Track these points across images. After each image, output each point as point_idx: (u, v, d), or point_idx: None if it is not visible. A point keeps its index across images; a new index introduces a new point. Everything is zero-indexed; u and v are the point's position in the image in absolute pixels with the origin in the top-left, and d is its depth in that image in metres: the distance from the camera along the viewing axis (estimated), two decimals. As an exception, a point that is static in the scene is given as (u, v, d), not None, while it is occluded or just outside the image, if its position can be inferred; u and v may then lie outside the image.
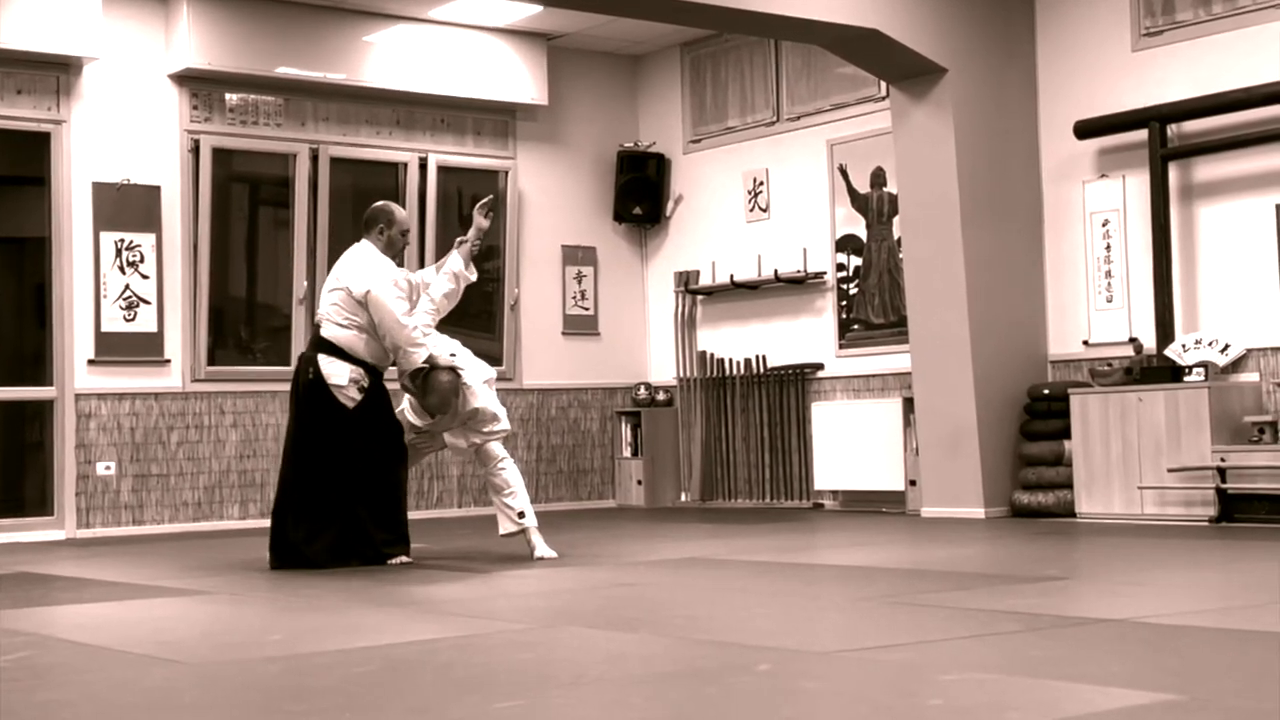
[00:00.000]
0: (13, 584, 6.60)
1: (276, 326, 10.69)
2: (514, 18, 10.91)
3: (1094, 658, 3.80)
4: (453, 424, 7.04)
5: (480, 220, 7.29)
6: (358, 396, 6.86)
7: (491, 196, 7.66)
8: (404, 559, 6.93)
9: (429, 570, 6.69)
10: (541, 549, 7.02)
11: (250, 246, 10.87)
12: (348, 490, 6.90)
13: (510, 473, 7.04)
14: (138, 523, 9.94)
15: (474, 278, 7.30)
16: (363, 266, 6.89)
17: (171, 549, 8.45)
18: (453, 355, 6.96)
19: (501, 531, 7.07)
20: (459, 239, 7.33)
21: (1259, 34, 8.70)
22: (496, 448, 7.04)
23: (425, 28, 10.88)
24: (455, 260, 7.21)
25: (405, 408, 7.17)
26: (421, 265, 9.87)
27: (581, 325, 11.92)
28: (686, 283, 11.79)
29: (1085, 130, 9.28)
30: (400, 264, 7.08)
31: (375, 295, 6.77)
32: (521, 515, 7.00)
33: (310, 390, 6.89)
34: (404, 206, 11.02)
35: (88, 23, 9.64)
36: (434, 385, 6.84)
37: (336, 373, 6.84)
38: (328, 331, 6.89)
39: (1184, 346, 8.71)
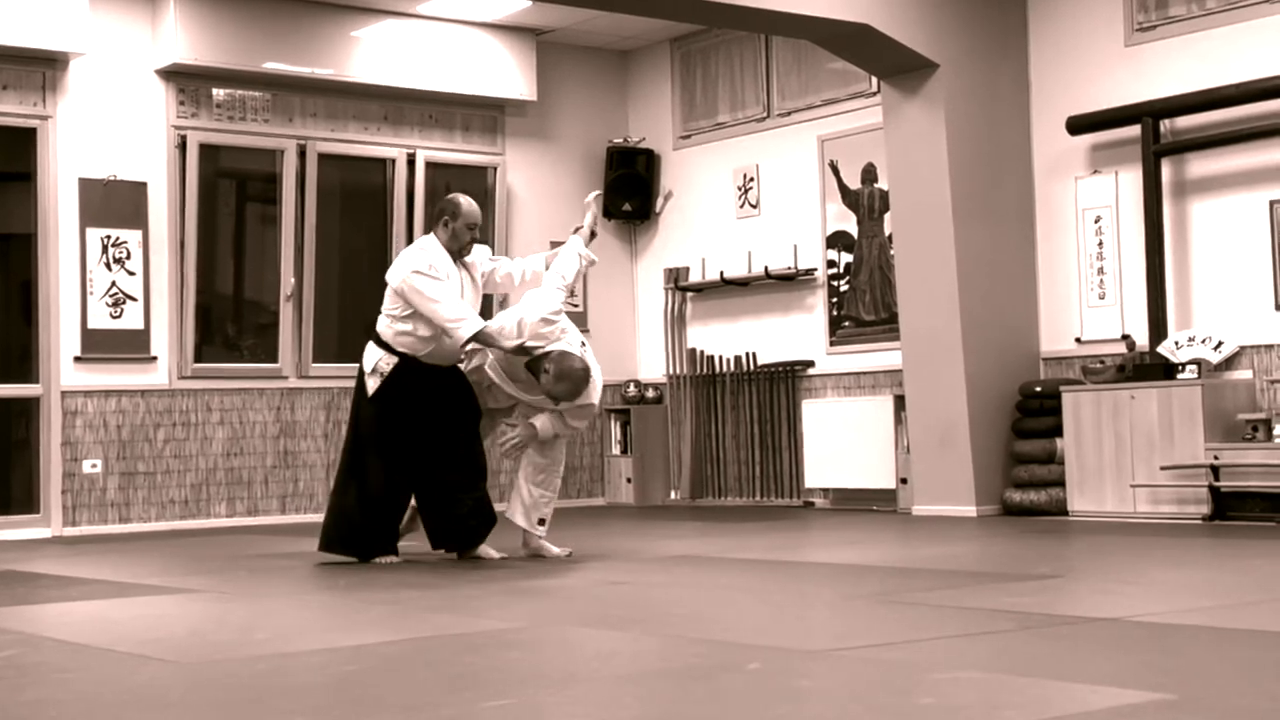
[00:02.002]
0: (-3, 582, 6.57)
1: (264, 323, 10.65)
2: (503, 13, 10.88)
3: (1086, 656, 3.78)
4: (564, 405, 6.86)
5: (596, 210, 7.35)
6: (376, 384, 6.85)
7: (599, 192, 7.86)
8: (391, 559, 6.88)
9: (417, 568, 6.65)
10: (555, 549, 7.01)
11: (237, 243, 10.83)
12: (348, 474, 6.94)
13: (559, 479, 7.03)
14: (124, 521, 9.90)
15: (594, 258, 7.27)
16: (400, 260, 6.89)
17: (158, 547, 8.42)
18: (584, 344, 6.93)
19: (511, 515, 6.99)
20: (576, 227, 7.31)
21: (1253, 29, 8.68)
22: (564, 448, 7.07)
23: (413, 23, 10.84)
24: (578, 243, 7.15)
25: (498, 382, 6.97)
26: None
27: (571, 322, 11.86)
28: (676, 279, 11.76)
29: (1078, 126, 9.26)
30: (469, 254, 6.97)
31: (405, 288, 6.75)
32: (542, 523, 6.97)
33: (358, 374, 7.02)
34: (391, 202, 11.04)
35: (74, 18, 9.59)
36: (567, 371, 6.72)
37: (367, 358, 6.90)
38: (378, 320, 6.97)
39: (1177, 344, 8.69)
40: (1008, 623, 4.43)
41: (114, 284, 9.91)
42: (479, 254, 7.13)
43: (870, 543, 7.65)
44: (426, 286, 6.71)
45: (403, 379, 6.82)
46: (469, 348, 6.87)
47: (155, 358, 10.08)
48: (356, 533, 6.89)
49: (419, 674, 3.73)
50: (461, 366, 6.98)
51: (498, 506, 7.11)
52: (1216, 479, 8.25)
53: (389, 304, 6.86)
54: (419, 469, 6.88)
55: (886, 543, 7.66)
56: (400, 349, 6.83)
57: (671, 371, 11.79)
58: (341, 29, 10.59)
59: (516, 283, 7.17)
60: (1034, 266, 9.66)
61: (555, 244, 11.60)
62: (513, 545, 7.08)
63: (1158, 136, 8.93)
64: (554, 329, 6.82)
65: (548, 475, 6.99)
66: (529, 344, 6.76)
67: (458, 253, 6.89)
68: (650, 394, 11.89)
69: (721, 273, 11.39)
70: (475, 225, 6.93)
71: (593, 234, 7.26)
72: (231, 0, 10.17)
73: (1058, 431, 9.07)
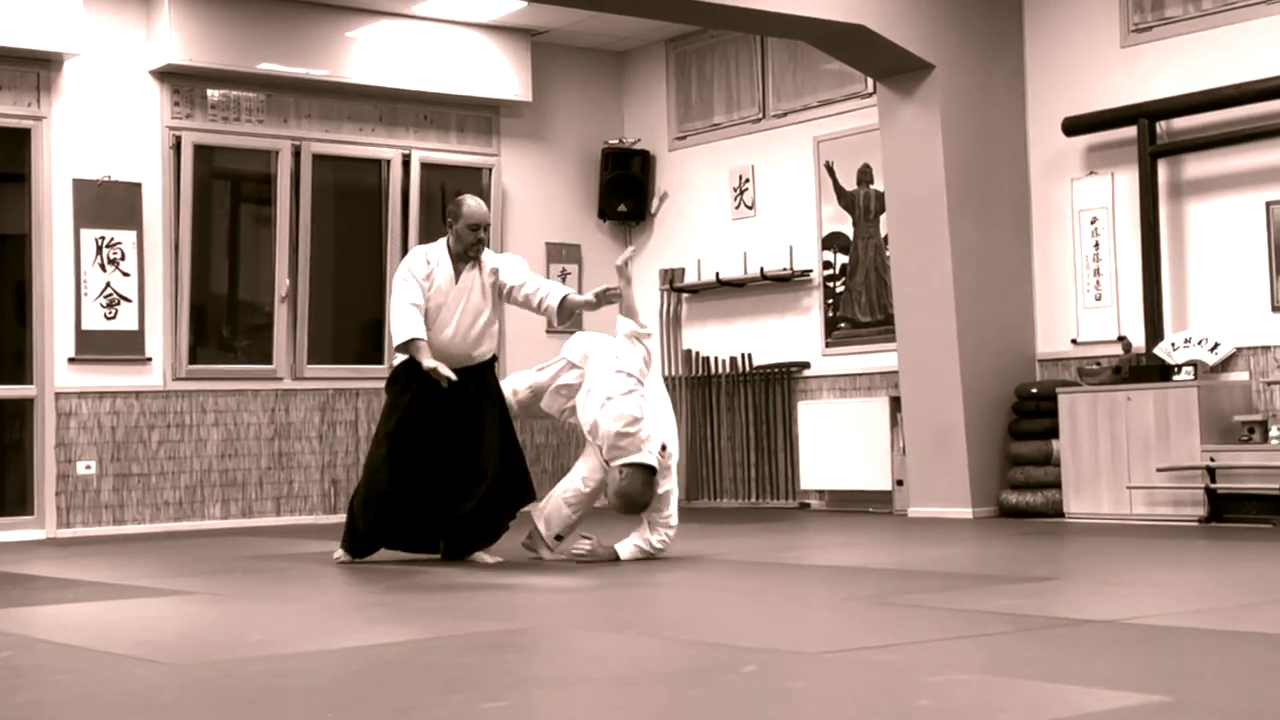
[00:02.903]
0: (-9, 584, 6.55)
1: (258, 325, 10.63)
2: (498, 13, 10.87)
3: (1082, 659, 3.77)
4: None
5: (629, 275, 7.01)
6: (388, 378, 7.05)
7: (632, 249, 7.93)
8: (345, 556, 6.93)
9: (411, 570, 6.63)
10: (552, 553, 7.00)
11: (232, 244, 10.82)
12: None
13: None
14: (118, 522, 9.88)
15: (649, 330, 6.99)
16: None
17: (152, 549, 8.40)
18: (664, 447, 6.61)
19: (535, 518, 6.98)
20: (612, 294, 6.90)
21: (1249, 30, 8.67)
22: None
23: (408, 23, 10.83)
24: (627, 324, 6.90)
25: (580, 407, 6.85)
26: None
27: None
28: (672, 281, 11.75)
29: (1074, 127, 9.26)
30: (475, 255, 6.79)
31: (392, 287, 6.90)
32: (559, 539, 6.92)
33: None
34: (386, 203, 11.02)
35: (69, 18, 9.57)
36: (631, 497, 6.48)
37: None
38: None
39: (1173, 345, 8.69)
40: (1004, 625, 4.43)
41: (108, 285, 9.89)
42: (510, 263, 6.95)
43: (866, 544, 7.64)
44: (395, 288, 6.79)
45: (406, 378, 6.82)
46: (572, 355, 6.92)
47: (150, 359, 10.06)
48: (346, 528, 6.98)
49: (415, 675, 3.72)
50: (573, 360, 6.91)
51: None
52: (1213, 481, 8.25)
53: None
54: (417, 469, 6.82)
55: (882, 544, 7.65)
56: (404, 352, 6.85)
57: (667, 373, 11.77)
58: (336, 30, 10.57)
59: (534, 307, 6.84)
60: (1030, 268, 9.65)
61: (551, 245, 11.70)
62: (508, 549, 7.07)
63: (1154, 137, 8.92)
64: (633, 440, 6.49)
65: (585, 508, 6.97)
66: (605, 455, 6.58)
67: (463, 254, 6.77)
68: (646, 395, 11.86)
69: (717, 274, 11.38)
70: (478, 226, 6.75)
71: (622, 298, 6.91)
72: (226, 1, 10.16)
73: (1054, 433, 9.07)
